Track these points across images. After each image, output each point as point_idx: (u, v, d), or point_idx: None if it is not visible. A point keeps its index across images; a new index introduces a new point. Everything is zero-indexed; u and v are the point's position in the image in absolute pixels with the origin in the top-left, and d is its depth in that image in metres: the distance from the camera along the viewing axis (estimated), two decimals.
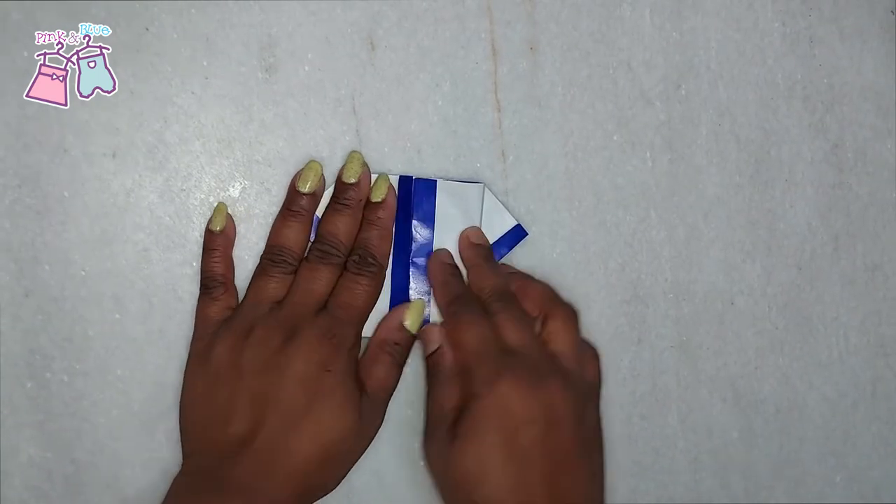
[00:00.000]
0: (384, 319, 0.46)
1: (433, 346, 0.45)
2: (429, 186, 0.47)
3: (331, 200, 0.46)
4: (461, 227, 0.47)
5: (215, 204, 0.47)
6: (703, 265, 0.50)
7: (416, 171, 0.48)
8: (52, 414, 0.45)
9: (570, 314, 0.45)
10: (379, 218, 0.46)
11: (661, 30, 0.50)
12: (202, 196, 0.47)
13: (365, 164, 0.46)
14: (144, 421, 0.46)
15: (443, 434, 0.42)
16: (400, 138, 0.48)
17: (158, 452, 0.46)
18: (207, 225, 0.46)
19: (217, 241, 0.46)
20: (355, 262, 0.45)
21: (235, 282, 0.46)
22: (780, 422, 0.51)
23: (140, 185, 0.46)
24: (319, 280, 0.44)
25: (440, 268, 0.47)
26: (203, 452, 0.42)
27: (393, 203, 0.46)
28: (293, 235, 0.45)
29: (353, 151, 0.47)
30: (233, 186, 0.47)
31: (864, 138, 0.52)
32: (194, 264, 0.46)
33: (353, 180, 0.46)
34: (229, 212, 0.47)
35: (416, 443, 0.48)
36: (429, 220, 0.47)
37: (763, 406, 0.51)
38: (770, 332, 0.51)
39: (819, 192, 0.51)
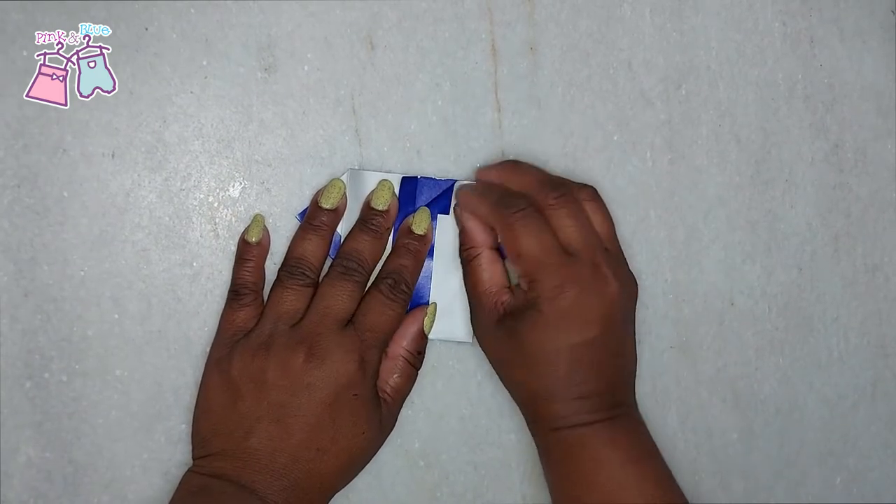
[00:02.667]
0: (403, 327, 0.46)
1: (475, 251, 0.46)
2: (434, 185, 0.47)
3: (358, 222, 0.46)
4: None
5: (214, 203, 0.47)
6: (703, 266, 0.50)
7: (416, 172, 0.48)
8: (51, 414, 0.45)
9: (595, 194, 0.46)
10: (418, 250, 0.46)
11: (662, 30, 0.50)
12: (202, 196, 0.47)
13: (394, 194, 0.47)
14: (143, 421, 0.46)
15: (492, 324, 0.44)
16: (399, 138, 0.48)
17: (157, 453, 0.46)
18: (243, 235, 0.46)
19: (252, 252, 0.46)
20: (389, 285, 0.45)
21: (226, 275, 0.46)
22: (780, 423, 0.51)
23: (139, 185, 0.46)
24: (341, 296, 0.44)
25: (465, 189, 0.46)
26: (221, 456, 0.42)
27: (431, 238, 0.47)
28: (312, 249, 0.45)
29: (384, 180, 0.47)
30: (232, 186, 0.47)
31: (865, 138, 0.52)
32: (194, 265, 0.46)
33: (381, 208, 0.46)
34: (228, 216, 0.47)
35: (416, 442, 0.48)
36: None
37: (763, 407, 0.51)
38: (770, 333, 0.51)
39: (819, 193, 0.51)
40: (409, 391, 0.46)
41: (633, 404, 0.45)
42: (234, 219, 0.47)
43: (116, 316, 0.46)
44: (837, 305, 0.51)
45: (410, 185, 0.47)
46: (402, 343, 0.46)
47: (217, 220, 0.47)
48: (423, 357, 0.47)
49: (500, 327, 0.44)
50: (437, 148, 0.48)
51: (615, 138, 0.50)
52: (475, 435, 0.48)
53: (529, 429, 0.45)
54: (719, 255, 0.50)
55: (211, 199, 0.47)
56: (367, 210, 0.46)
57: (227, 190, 0.47)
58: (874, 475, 0.52)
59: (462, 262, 0.46)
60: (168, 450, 0.46)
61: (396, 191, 0.47)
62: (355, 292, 0.45)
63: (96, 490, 0.46)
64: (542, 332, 0.42)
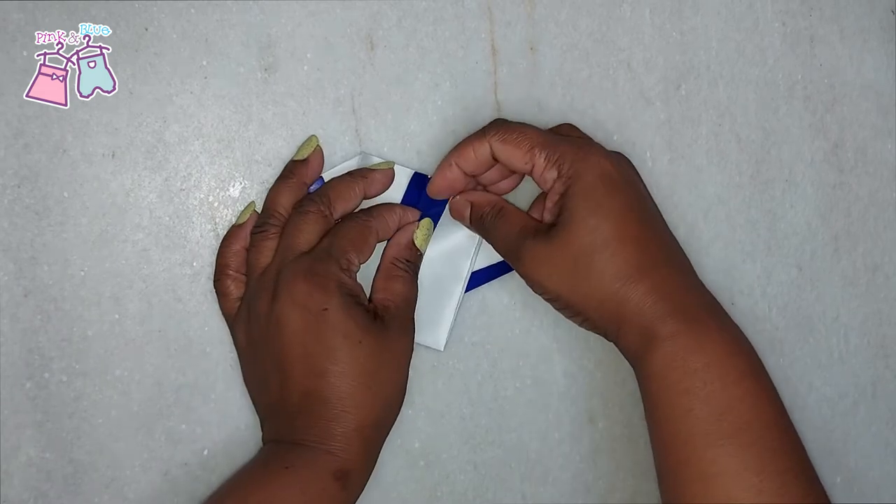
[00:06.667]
0: (394, 238, 0.46)
1: (467, 208, 0.46)
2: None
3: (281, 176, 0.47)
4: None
5: (214, 203, 0.47)
6: (703, 265, 0.50)
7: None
8: (51, 414, 0.45)
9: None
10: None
11: (661, 30, 0.50)
12: (202, 196, 0.47)
13: (318, 147, 0.47)
14: (143, 421, 0.46)
15: (539, 235, 0.43)
16: (399, 138, 0.48)
17: (157, 452, 0.46)
18: (292, 158, 0.47)
19: (297, 169, 0.46)
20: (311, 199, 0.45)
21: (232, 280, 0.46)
22: None
23: (139, 184, 0.46)
24: (299, 229, 0.44)
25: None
26: (269, 419, 0.44)
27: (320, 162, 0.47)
28: (282, 200, 0.45)
29: (386, 161, 0.47)
30: (232, 186, 0.47)
31: (865, 138, 0.52)
32: (194, 264, 0.46)
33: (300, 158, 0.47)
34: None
35: (416, 442, 0.48)
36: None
37: None
38: (770, 333, 0.51)
39: (819, 192, 0.51)
40: (413, 296, 0.46)
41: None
42: (234, 218, 0.47)
43: (116, 316, 0.46)
44: (837, 305, 0.51)
45: (421, 181, 0.47)
46: (391, 252, 0.46)
47: (217, 220, 0.47)
48: (417, 267, 0.46)
49: (547, 230, 0.43)
50: (436, 147, 0.48)
51: (615, 138, 0.50)
52: (475, 434, 0.48)
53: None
54: (719, 254, 0.50)
55: (211, 198, 0.47)
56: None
57: (228, 190, 0.47)
58: (874, 475, 0.52)
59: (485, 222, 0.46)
60: (168, 450, 0.46)
61: (406, 186, 0.47)
62: (318, 224, 0.44)
63: (96, 490, 0.46)
64: (593, 191, 0.42)
